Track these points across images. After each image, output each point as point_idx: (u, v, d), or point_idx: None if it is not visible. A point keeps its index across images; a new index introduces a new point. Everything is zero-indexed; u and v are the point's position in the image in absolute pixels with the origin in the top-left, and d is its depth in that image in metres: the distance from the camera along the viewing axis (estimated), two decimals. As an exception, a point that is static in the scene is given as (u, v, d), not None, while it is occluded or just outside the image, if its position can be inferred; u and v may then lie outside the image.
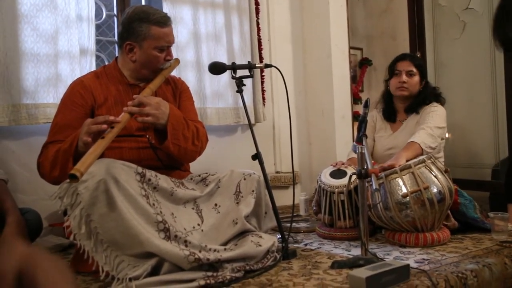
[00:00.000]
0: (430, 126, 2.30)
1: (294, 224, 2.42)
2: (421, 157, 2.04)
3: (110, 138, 1.54)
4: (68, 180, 1.44)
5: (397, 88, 2.48)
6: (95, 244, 1.45)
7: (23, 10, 2.29)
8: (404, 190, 1.90)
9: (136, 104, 1.68)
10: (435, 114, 2.37)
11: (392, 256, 1.77)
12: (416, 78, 2.47)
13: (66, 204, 1.44)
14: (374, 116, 2.61)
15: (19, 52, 2.27)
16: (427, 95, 2.47)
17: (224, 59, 2.99)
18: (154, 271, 1.47)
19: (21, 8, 2.29)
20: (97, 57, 2.78)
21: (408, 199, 1.89)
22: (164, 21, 1.88)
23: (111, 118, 1.57)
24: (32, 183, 2.28)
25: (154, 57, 1.89)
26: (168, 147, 1.77)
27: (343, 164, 2.29)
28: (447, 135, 2.96)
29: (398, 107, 2.56)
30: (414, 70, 2.46)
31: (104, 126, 1.54)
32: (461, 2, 3.55)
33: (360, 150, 1.72)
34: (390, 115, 2.56)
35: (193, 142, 1.86)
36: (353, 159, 2.43)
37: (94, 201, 1.44)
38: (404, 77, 2.45)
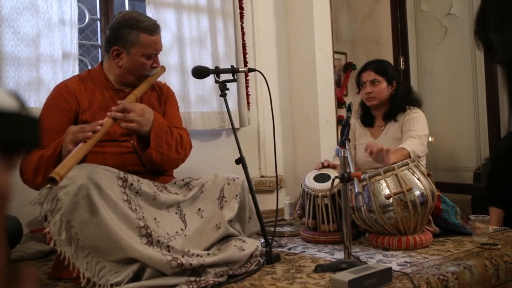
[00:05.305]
0: (419, 135, 2.31)
1: (278, 228, 2.42)
2: (404, 160, 2.06)
3: (92, 143, 1.53)
4: (48, 186, 1.42)
5: (366, 100, 2.54)
6: (76, 250, 1.43)
7: (3, 14, 2.25)
8: (387, 192, 1.92)
9: (120, 110, 1.67)
10: (418, 121, 2.39)
11: (375, 259, 1.78)
12: (382, 85, 2.48)
13: (46, 210, 1.42)
14: (353, 124, 2.63)
15: (-1, 55, 2.24)
16: (400, 102, 2.46)
17: (208, 63, 2.98)
18: (136, 277, 1.45)
19: (1, 11, 2.25)
20: (81, 61, 2.75)
21: (391, 201, 1.91)
22: (154, 29, 1.88)
23: (98, 127, 1.56)
24: (14, 189, 2.23)
25: (141, 64, 1.88)
26: (150, 154, 1.76)
27: (327, 166, 2.29)
28: (430, 139, 2.99)
29: (375, 114, 2.59)
30: (378, 78, 2.47)
31: (89, 134, 1.53)
32: (443, 7, 3.62)
33: (343, 154, 1.73)
34: (368, 120, 2.60)
35: (176, 149, 1.85)
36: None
37: (75, 206, 1.42)
38: (369, 88, 2.49)
